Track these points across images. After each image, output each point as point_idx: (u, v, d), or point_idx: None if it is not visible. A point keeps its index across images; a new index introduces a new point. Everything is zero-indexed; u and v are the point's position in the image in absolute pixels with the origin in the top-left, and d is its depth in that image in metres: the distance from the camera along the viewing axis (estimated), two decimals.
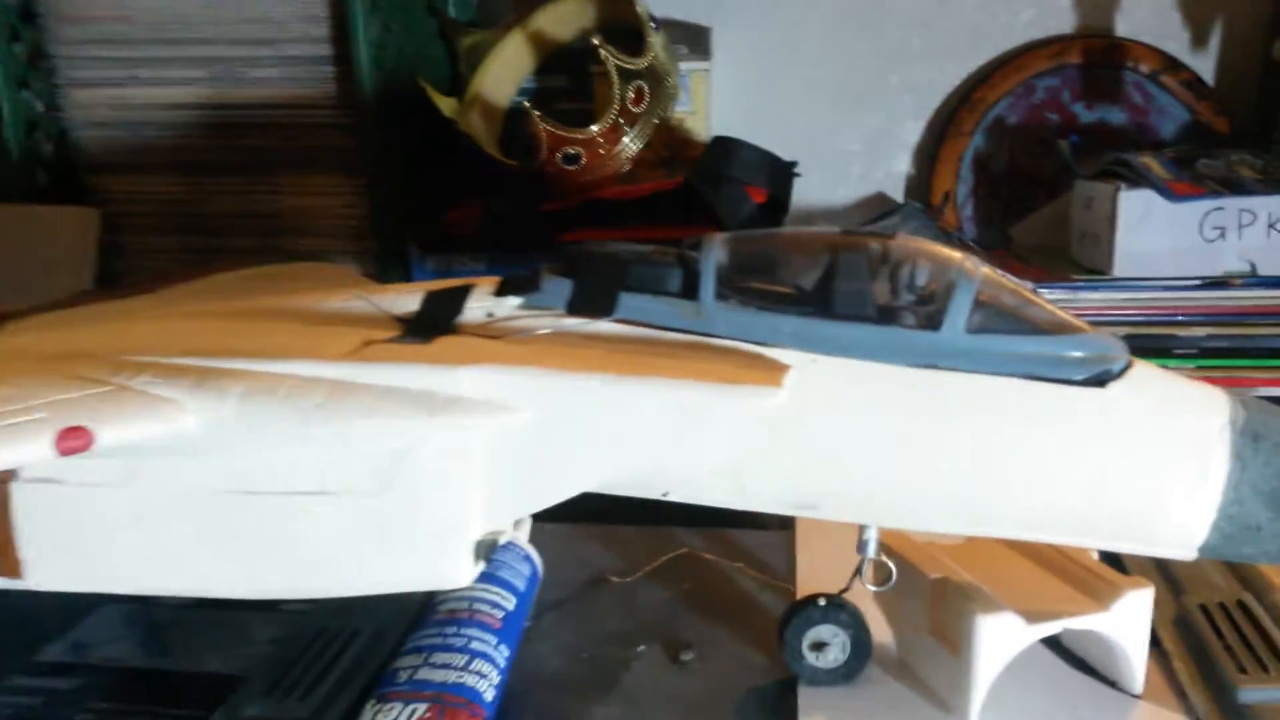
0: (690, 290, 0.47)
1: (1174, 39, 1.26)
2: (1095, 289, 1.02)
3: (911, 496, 0.46)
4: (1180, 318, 1.02)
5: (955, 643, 0.48)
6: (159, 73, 1.10)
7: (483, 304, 0.49)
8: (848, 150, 1.37)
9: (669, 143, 1.19)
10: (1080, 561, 0.51)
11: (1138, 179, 1.00)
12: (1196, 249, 1.01)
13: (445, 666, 0.48)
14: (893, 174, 1.37)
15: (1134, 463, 0.43)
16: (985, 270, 0.46)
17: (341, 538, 0.44)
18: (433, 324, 0.48)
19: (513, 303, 0.49)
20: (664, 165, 1.18)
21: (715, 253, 0.47)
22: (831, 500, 0.47)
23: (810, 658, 0.51)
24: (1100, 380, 0.44)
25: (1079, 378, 0.44)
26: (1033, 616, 0.47)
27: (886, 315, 0.46)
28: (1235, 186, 0.98)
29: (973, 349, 0.44)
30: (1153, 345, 1.02)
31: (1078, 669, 0.52)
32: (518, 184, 1.07)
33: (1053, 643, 0.54)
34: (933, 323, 0.45)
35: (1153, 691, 0.50)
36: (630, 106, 1.08)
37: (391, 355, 0.44)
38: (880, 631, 0.54)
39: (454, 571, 0.44)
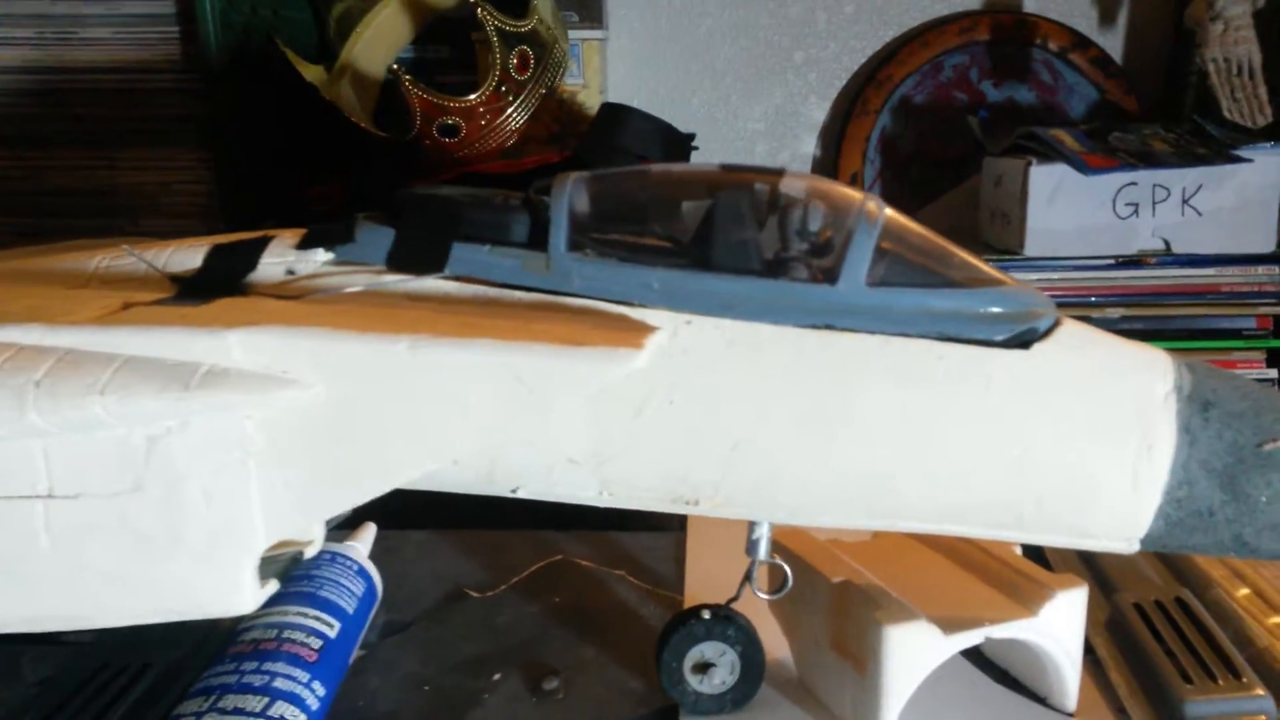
0: (539, 240, 0.38)
1: (1083, 16, 1.23)
2: (1006, 269, 0.96)
3: (807, 485, 0.38)
4: (1094, 299, 0.97)
5: (860, 659, 0.40)
6: None
7: (282, 259, 0.40)
8: (751, 130, 1.30)
9: (560, 117, 1.10)
10: (1003, 559, 0.44)
11: (1049, 153, 0.95)
12: (1110, 226, 0.96)
13: (236, 712, 0.39)
14: (799, 155, 1.31)
15: (1064, 438, 0.36)
16: (889, 213, 0.38)
17: (81, 553, 0.34)
18: (215, 283, 0.38)
19: (321, 257, 0.40)
20: (555, 141, 1.09)
21: (569, 195, 0.38)
22: (713, 492, 0.39)
23: (693, 681, 0.43)
24: (1023, 341, 0.37)
25: (998, 338, 0.37)
26: (950, 625, 0.40)
27: (773, 267, 0.38)
28: (1149, 159, 0.93)
29: (874, 306, 0.37)
30: None
31: (1001, 683, 0.45)
32: (388, 157, 0.97)
33: (973, 654, 0.47)
34: (828, 275, 0.37)
35: (1088, 707, 0.43)
36: (514, 74, 0.99)
37: (146, 319, 0.34)
38: (778, 648, 0.47)
39: (231, 595, 0.34)
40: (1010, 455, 0.36)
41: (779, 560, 0.43)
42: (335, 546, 0.50)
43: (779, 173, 0.39)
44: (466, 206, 0.39)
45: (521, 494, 0.40)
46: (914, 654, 0.39)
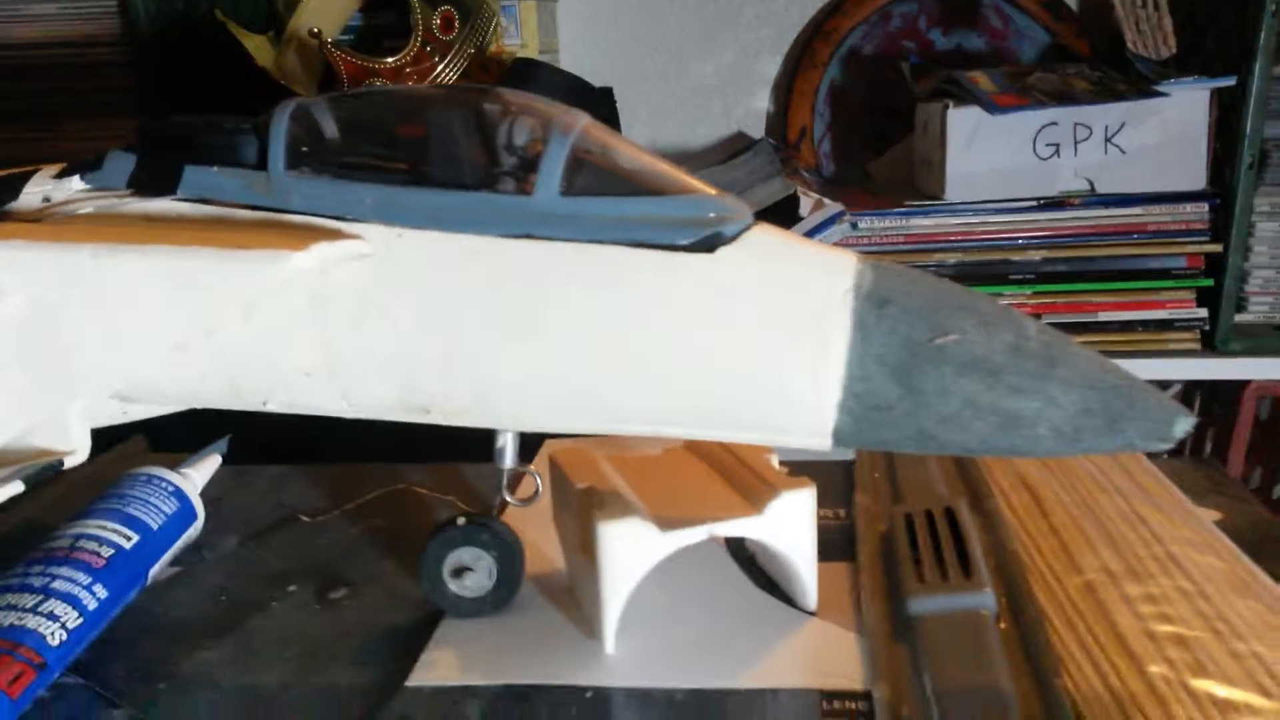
0: (262, 160, 0.40)
1: None
2: (926, 214, 0.97)
3: (521, 391, 0.40)
4: (1020, 240, 0.97)
5: (593, 556, 0.42)
6: None
7: (41, 188, 0.42)
8: (706, 86, 1.30)
9: (498, 77, 1.12)
10: (752, 466, 0.45)
11: (965, 96, 0.94)
12: (1031, 168, 0.95)
13: (8, 608, 0.42)
14: (753, 111, 1.31)
15: (747, 337, 0.37)
16: (585, 124, 0.39)
17: None
18: None
19: (75, 185, 0.42)
20: None
21: (288, 117, 0.40)
22: (442, 400, 0.40)
23: (452, 585, 0.45)
24: (709, 245, 0.38)
25: (684, 242, 0.38)
26: (674, 524, 0.41)
27: (476, 180, 0.39)
28: (1065, 97, 0.92)
29: (568, 214, 0.38)
30: (988, 271, 0.97)
31: (764, 589, 0.46)
32: None
33: (751, 564, 0.48)
34: (526, 187, 0.38)
35: (830, 607, 0.44)
36: (438, 34, 1.01)
37: None
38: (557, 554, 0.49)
39: None
40: (699, 355, 0.38)
41: (529, 470, 0.45)
42: (156, 470, 0.53)
43: (486, 91, 0.41)
44: (199, 130, 0.41)
45: (271, 407, 0.42)
46: (630, 549, 0.41)
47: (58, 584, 0.44)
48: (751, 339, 0.37)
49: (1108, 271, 0.96)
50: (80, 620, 0.43)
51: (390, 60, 0.98)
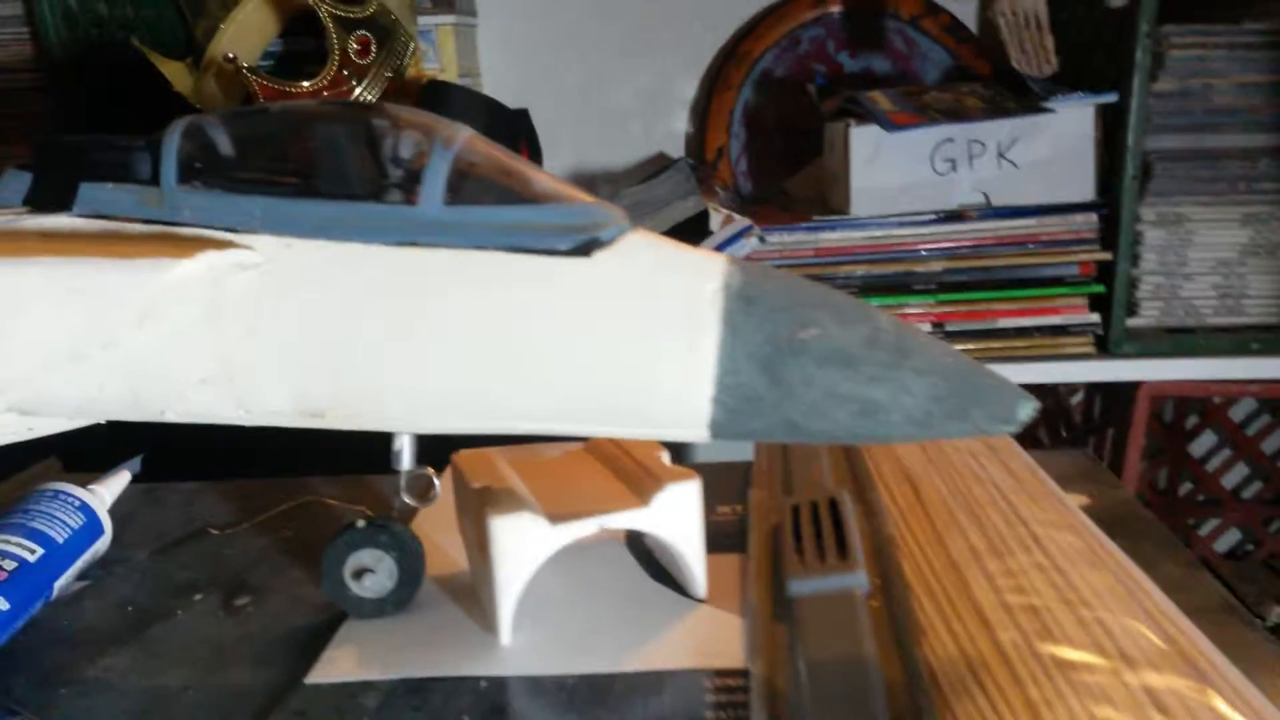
0: (156, 176, 0.42)
1: None
2: (833, 229, 1.00)
3: (410, 393, 0.41)
4: (923, 252, 1.01)
5: (487, 552, 0.43)
6: None
7: None
8: (625, 109, 1.34)
9: (416, 101, 1.14)
10: (642, 463, 0.47)
11: (866, 115, 0.98)
12: (930, 183, 1.00)
13: None
14: (673, 132, 1.35)
15: (622, 336, 0.39)
16: (466, 138, 0.41)
17: None
18: None
19: None
20: None
21: (179, 132, 0.42)
22: (333, 404, 0.42)
23: (354, 586, 0.46)
24: (586, 249, 0.40)
25: (563, 247, 0.40)
26: (564, 518, 0.43)
27: (362, 191, 0.41)
28: (956, 115, 0.96)
29: (452, 222, 0.40)
30: (892, 282, 1.01)
31: (659, 580, 0.48)
32: None
33: (648, 559, 0.51)
34: (411, 197, 0.40)
35: (719, 595, 0.46)
36: (355, 58, 1.03)
37: None
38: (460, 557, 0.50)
39: None
40: (579, 354, 0.40)
41: (426, 470, 0.47)
42: (62, 485, 0.53)
43: (372, 106, 0.43)
44: (93, 148, 0.42)
45: (169, 417, 0.43)
46: (522, 543, 0.43)
47: None
48: (628, 338, 0.39)
49: (1005, 280, 1.01)
50: None
51: (307, 84, 1.00)
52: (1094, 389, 1.19)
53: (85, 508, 0.53)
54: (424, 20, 1.14)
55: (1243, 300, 1.03)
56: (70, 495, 0.52)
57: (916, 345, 0.39)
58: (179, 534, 0.58)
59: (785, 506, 0.50)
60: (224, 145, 0.43)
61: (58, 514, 0.51)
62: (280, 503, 0.61)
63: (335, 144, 0.42)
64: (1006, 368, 1.00)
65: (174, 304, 0.40)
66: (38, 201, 0.42)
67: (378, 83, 1.05)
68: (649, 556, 0.51)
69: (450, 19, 1.15)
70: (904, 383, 0.38)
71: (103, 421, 0.46)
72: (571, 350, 0.40)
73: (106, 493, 0.56)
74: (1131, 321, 1.02)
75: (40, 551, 0.49)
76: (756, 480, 0.56)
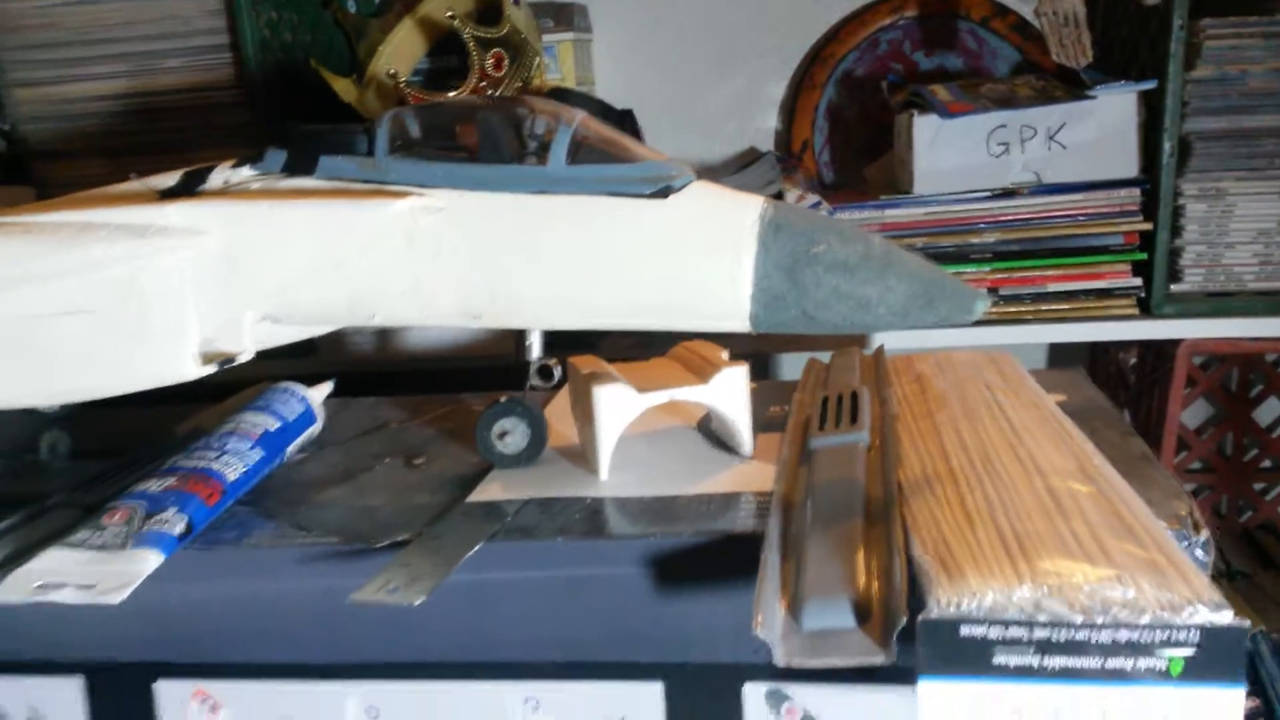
0: (372, 150, 0.61)
1: None
2: (898, 206, 1.14)
3: (541, 300, 0.59)
4: (982, 225, 1.14)
5: (591, 416, 0.61)
6: (86, 70, 1.27)
7: (222, 175, 0.63)
8: (720, 110, 1.50)
9: None
10: (706, 357, 0.64)
11: (926, 105, 1.12)
12: (986, 164, 1.13)
13: (200, 457, 0.62)
14: (763, 129, 1.50)
15: (688, 253, 0.56)
16: (582, 118, 0.59)
17: (97, 348, 0.58)
18: (182, 191, 0.62)
19: (245, 172, 0.63)
20: None
21: (387, 120, 0.61)
22: (489, 308, 0.60)
23: (498, 445, 0.64)
24: (663, 193, 0.57)
25: (647, 192, 0.57)
26: (645, 390, 0.60)
27: (510, 157, 0.59)
28: (1008, 102, 1.09)
29: (571, 176, 0.57)
30: (950, 253, 1.14)
31: (717, 447, 0.65)
32: None
33: (711, 436, 0.67)
34: (543, 160, 0.58)
35: (764, 456, 0.62)
36: (491, 71, 1.23)
37: (126, 202, 0.59)
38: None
39: (180, 367, 0.58)
40: (658, 268, 0.57)
41: (551, 361, 0.64)
42: (289, 385, 0.73)
43: (516, 99, 0.61)
44: (328, 133, 0.62)
45: (375, 321, 0.62)
46: (617, 405, 0.60)
47: (229, 445, 0.64)
48: (693, 255, 0.56)
49: (1054, 249, 1.13)
50: (244, 469, 0.63)
51: (451, 95, 1.20)
52: (1145, 352, 1.29)
53: (305, 400, 0.72)
54: (548, 38, 1.33)
55: None
56: (295, 391, 0.72)
57: (899, 257, 0.55)
58: (367, 426, 0.77)
59: (818, 398, 0.66)
60: (417, 129, 0.62)
61: (287, 403, 0.71)
62: (438, 409, 0.80)
63: (491, 125, 0.60)
64: (1056, 328, 1.14)
65: (385, 236, 0.58)
66: (290, 169, 0.62)
67: (509, 91, 1.25)
68: (711, 434, 0.67)
69: (569, 35, 1.34)
70: (889, 284, 0.54)
71: (319, 334, 0.66)
72: (653, 265, 0.57)
73: (316, 394, 0.76)
74: (1176, 286, 1.13)
75: (279, 424, 0.68)
76: (801, 388, 0.72)
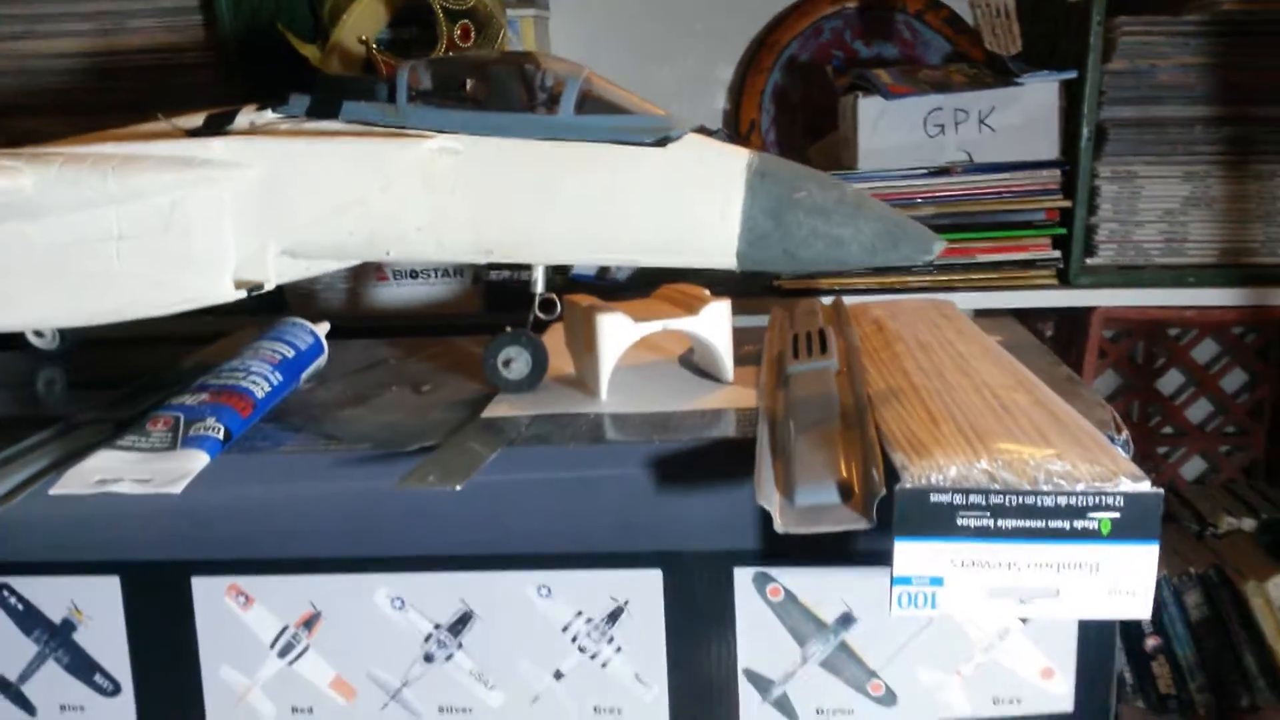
0: (393, 97, 0.66)
1: None
2: (844, 180, 1.23)
3: (549, 238, 0.65)
4: (916, 200, 1.23)
5: (591, 344, 0.68)
6: (51, 26, 1.28)
7: (248, 117, 0.68)
8: (671, 89, 1.58)
9: None
10: (695, 295, 0.72)
11: (870, 87, 1.21)
12: (923, 144, 1.22)
13: (230, 376, 0.67)
14: (712, 110, 1.58)
15: (683, 196, 0.63)
16: (588, 73, 0.66)
17: (138, 271, 0.63)
18: (209, 130, 0.67)
19: (270, 114, 0.68)
20: None
21: (407, 69, 0.66)
22: (500, 245, 0.66)
23: (503, 371, 0.71)
24: (662, 142, 0.64)
25: (648, 141, 0.64)
26: (641, 320, 0.67)
27: (522, 105, 0.66)
28: (943, 86, 1.19)
29: (578, 124, 0.64)
30: None
31: (700, 375, 0.73)
32: None
33: (694, 368, 0.75)
34: (553, 109, 0.65)
35: (744, 382, 0.70)
36: (458, 42, 1.28)
37: (162, 138, 0.63)
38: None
39: (218, 289, 0.63)
40: (656, 209, 0.64)
41: (552, 295, 0.71)
42: (297, 320, 0.78)
43: (529, 54, 0.67)
44: (350, 79, 0.67)
45: (391, 256, 0.68)
46: (616, 332, 0.67)
47: (254, 367, 0.69)
48: (687, 198, 0.64)
49: (982, 223, 1.23)
50: (269, 389, 0.68)
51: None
52: (1061, 321, 1.41)
53: (313, 333, 0.78)
54: (511, 12, 1.38)
55: (1185, 244, 1.25)
56: (303, 324, 0.77)
57: (868, 203, 0.63)
58: (367, 363, 0.83)
59: (789, 336, 0.74)
60: (435, 79, 0.67)
61: (297, 332, 0.76)
62: (429, 349, 0.86)
63: (505, 76, 0.66)
64: (982, 296, 1.24)
65: (405, 175, 0.64)
66: (315, 113, 0.67)
67: None
68: (696, 368, 0.75)
69: (531, 12, 1.40)
70: (859, 226, 0.62)
71: (335, 270, 0.71)
72: (652, 206, 0.64)
73: (319, 328, 0.81)
74: (1091, 260, 1.24)
75: (294, 351, 0.74)
76: (770, 329, 0.80)
